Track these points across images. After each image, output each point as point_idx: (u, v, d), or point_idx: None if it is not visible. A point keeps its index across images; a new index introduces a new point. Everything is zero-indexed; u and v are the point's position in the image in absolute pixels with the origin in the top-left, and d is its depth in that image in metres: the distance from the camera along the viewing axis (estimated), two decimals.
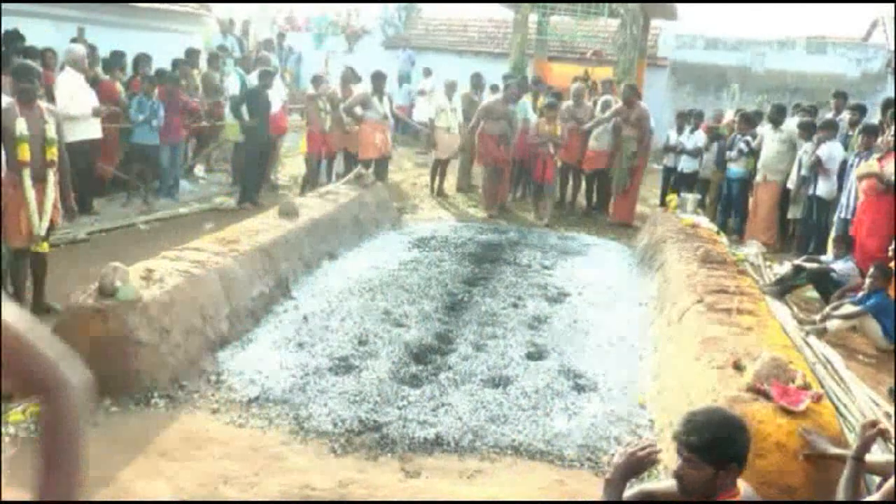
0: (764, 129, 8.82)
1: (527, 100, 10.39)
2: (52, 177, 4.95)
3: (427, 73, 14.59)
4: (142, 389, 3.99)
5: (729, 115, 10.72)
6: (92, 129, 7.48)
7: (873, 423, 2.62)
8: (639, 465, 2.23)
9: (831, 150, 7.72)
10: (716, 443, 2.04)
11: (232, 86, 9.33)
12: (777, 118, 8.57)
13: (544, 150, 9.09)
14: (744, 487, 2.15)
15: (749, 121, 9.25)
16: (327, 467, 3.50)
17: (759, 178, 8.68)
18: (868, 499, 2.48)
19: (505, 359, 4.75)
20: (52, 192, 4.98)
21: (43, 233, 4.96)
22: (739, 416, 2.21)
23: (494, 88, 10.60)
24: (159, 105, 8.34)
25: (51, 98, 7.25)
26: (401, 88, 15.91)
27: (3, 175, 4.75)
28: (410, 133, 14.64)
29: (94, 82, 7.92)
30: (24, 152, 4.72)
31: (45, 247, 5.05)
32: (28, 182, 4.78)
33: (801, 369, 3.60)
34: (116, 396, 3.92)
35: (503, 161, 9.68)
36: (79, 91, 7.26)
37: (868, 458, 2.63)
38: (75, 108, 7.20)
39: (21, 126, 4.70)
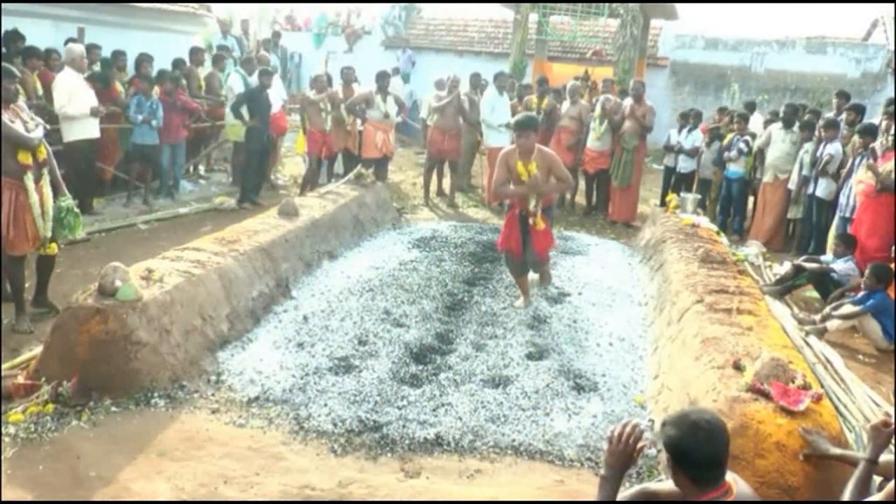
0: (773, 127, 8.81)
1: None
2: (46, 176, 4.95)
3: (395, 72, 14.54)
4: (142, 389, 4.00)
5: (720, 115, 10.66)
6: (90, 129, 7.48)
7: (886, 424, 2.60)
8: (630, 458, 2.24)
9: (832, 150, 7.73)
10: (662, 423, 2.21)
11: (235, 85, 9.33)
12: (789, 118, 8.58)
13: (518, 199, 5.64)
14: (739, 487, 2.14)
15: (747, 120, 9.27)
16: (327, 467, 3.50)
17: (768, 177, 8.67)
18: (870, 499, 2.48)
19: (505, 359, 4.75)
20: (49, 190, 4.97)
21: (49, 234, 4.96)
22: (695, 417, 2.14)
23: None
24: (158, 105, 8.35)
25: (49, 98, 7.26)
26: (404, 87, 15.91)
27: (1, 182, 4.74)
28: (411, 134, 14.65)
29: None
30: (26, 156, 4.71)
31: (53, 248, 5.05)
32: (31, 185, 4.77)
33: (801, 369, 3.61)
34: (116, 396, 3.92)
35: (451, 153, 9.90)
36: (77, 91, 7.26)
37: None
38: (73, 107, 7.20)
39: (19, 128, 4.69)
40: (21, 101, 4.97)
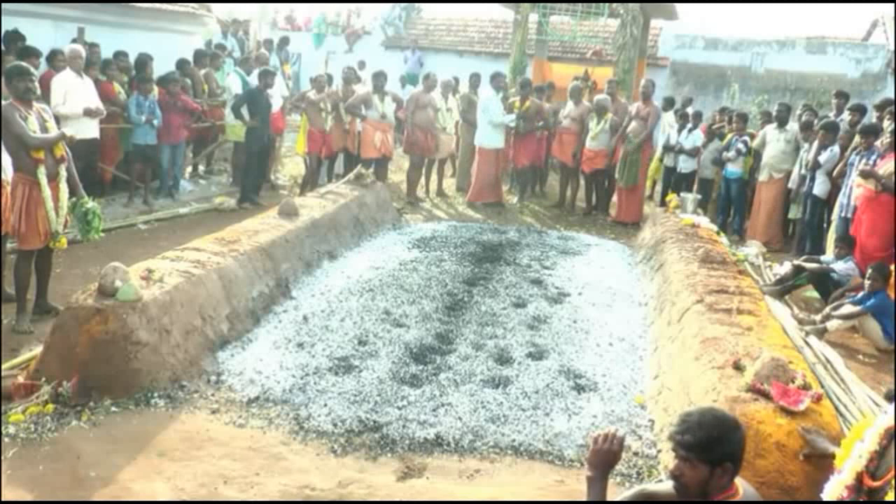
0: (769, 127, 8.83)
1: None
2: (63, 173, 4.99)
3: (361, 65, 14.48)
4: (142, 389, 4.00)
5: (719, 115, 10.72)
6: (88, 129, 7.46)
7: None
8: (613, 457, 2.25)
9: (830, 156, 7.72)
10: (710, 441, 2.07)
11: (234, 86, 9.31)
12: (783, 117, 8.60)
13: None
14: (744, 487, 2.15)
15: (746, 120, 9.28)
16: (327, 467, 3.50)
17: (763, 176, 8.70)
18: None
19: (505, 359, 4.76)
20: (65, 187, 5.01)
21: (61, 229, 5.01)
22: (733, 415, 2.21)
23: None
24: (155, 104, 8.33)
25: (47, 98, 7.25)
26: (404, 90, 15.90)
27: (10, 177, 4.77)
28: None
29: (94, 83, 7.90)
30: (39, 150, 4.78)
31: (63, 242, 5.08)
32: (44, 180, 4.82)
33: (801, 369, 3.61)
34: (116, 396, 3.92)
35: (430, 150, 9.93)
36: (72, 91, 7.24)
37: None
38: (67, 107, 7.19)
39: (32, 125, 4.76)
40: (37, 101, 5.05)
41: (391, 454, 3.64)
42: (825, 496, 2.61)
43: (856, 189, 6.65)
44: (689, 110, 10.35)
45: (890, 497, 2.37)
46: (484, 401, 4.16)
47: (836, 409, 3.98)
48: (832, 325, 5.60)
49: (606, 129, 9.54)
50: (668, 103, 11.37)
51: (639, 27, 12.29)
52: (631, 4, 12.08)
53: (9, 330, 4.83)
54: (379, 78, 9.38)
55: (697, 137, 9.77)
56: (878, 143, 6.79)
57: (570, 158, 9.89)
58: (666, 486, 2.26)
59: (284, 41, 16.03)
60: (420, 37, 18.95)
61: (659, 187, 10.88)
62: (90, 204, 5.18)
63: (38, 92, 5.13)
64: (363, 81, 10.25)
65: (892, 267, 5.68)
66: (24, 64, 5.08)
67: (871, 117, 8.76)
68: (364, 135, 9.40)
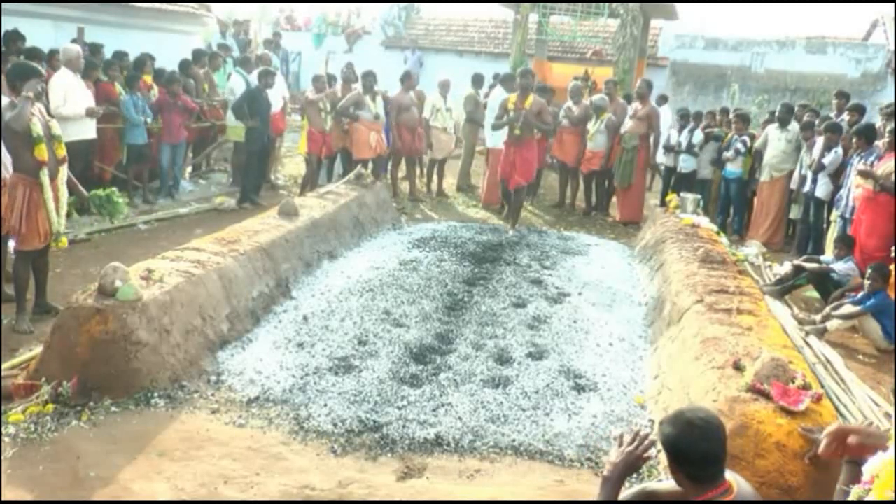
0: (770, 127, 8.85)
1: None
2: (63, 173, 4.99)
3: (349, 67, 14.52)
4: (142, 389, 4.00)
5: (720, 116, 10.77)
6: (86, 130, 7.46)
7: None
8: (637, 462, 2.24)
9: (834, 157, 7.72)
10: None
11: (237, 86, 9.31)
12: (784, 118, 8.61)
13: None
14: (740, 487, 2.14)
15: (746, 120, 9.28)
16: (327, 467, 3.50)
17: (764, 176, 8.71)
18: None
19: (505, 359, 4.76)
20: (65, 188, 5.02)
21: (62, 229, 5.02)
22: (700, 422, 2.13)
23: (492, 86, 10.69)
24: (145, 104, 8.32)
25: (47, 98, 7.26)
26: None
27: (9, 177, 4.77)
28: None
29: (94, 82, 7.91)
30: (42, 152, 4.77)
31: (64, 242, 5.10)
32: (46, 182, 4.82)
33: (801, 369, 3.61)
34: (116, 396, 3.92)
35: (417, 151, 10.01)
36: (71, 91, 7.25)
37: None
38: (67, 108, 7.19)
39: (37, 127, 4.74)
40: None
41: (391, 454, 3.64)
42: (865, 469, 2.59)
43: (855, 189, 6.65)
44: (690, 110, 10.39)
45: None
46: (484, 401, 4.16)
47: (836, 409, 3.98)
48: (832, 325, 5.60)
49: (602, 130, 9.54)
50: (663, 99, 11.51)
51: (639, 27, 12.31)
52: (631, 4, 12.10)
53: (9, 330, 4.83)
54: (368, 78, 9.33)
55: (697, 137, 9.76)
56: (878, 143, 6.79)
57: (572, 159, 9.89)
58: (667, 484, 2.26)
59: (277, 35, 15.99)
60: (420, 37, 18.97)
61: (659, 187, 10.89)
62: (105, 191, 5.53)
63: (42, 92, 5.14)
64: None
65: (892, 267, 5.68)
66: (31, 63, 5.06)
67: (875, 119, 8.76)
68: (358, 135, 9.34)
